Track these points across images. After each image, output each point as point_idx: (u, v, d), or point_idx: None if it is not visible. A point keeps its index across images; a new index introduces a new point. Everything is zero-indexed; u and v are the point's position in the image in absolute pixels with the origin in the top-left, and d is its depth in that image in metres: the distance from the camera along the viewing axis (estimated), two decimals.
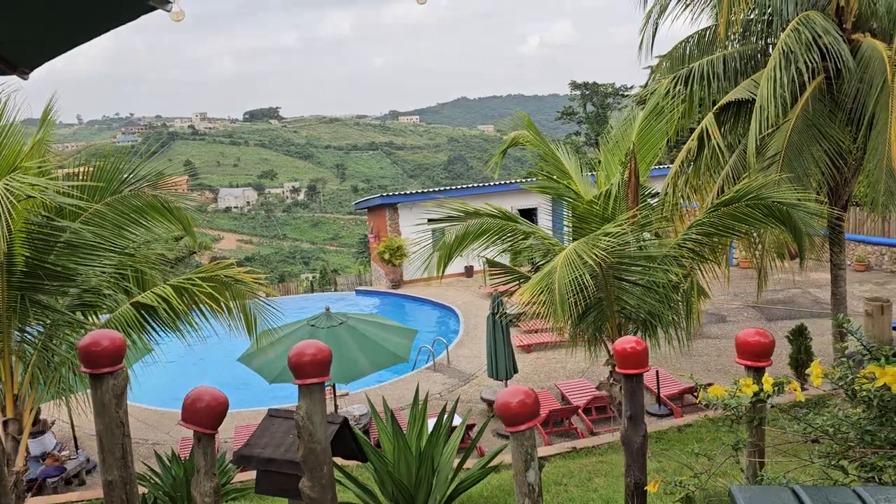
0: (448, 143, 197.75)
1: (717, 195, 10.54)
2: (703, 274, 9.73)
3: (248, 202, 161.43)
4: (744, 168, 10.84)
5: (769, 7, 11.27)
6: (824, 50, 10.08)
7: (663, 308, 8.99)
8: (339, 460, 5.53)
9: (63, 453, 11.09)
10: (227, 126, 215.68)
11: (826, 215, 9.83)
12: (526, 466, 3.70)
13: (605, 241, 8.08)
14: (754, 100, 10.34)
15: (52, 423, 11.61)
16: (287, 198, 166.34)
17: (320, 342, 4.05)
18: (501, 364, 12.23)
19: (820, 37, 10.00)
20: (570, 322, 9.29)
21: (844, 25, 10.74)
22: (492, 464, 6.76)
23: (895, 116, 9.35)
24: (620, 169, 9.50)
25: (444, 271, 9.95)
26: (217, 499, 4.25)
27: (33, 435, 10.72)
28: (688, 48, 12.88)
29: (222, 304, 7.42)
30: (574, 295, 7.90)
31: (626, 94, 44.06)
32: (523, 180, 23.10)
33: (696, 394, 12.11)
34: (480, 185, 28.34)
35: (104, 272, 7.25)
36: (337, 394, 12.78)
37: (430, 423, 6.99)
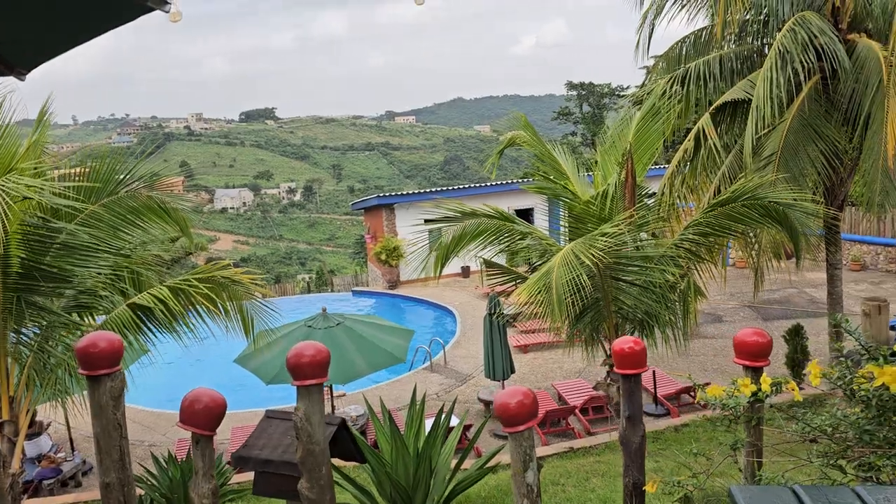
0: (444, 144, 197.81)
1: (714, 195, 10.56)
2: (699, 274, 9.75)
3: (244, 203, 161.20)
4: (740, 168, 10.86)
5: (765, 7, 11.30)
6: (820, 50, 10.10)
7: (660, 308, 9.01)
8: (336, 461, 5.52)
9: (59, 455, 11.05)
10: (223, 127, 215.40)
11: (822, 215, 9.86)
12: (525, 467, 3.69)
13: (602, 241, 8.09)
14: (750, 100, 10.37)
15: (48, 425, 11.56)
16: (283, 198, 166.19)
17: (319, 343, 4.05)
18: (498, 364, 12.22)
19: (816, 37, 10.03)
20: (567, 322, 9.29)
21: (840, 26, 10.77)
22: (489, 464, 6.76)
23: (891, 116, 9.38)
24: (617, 169, 9.51)
25: (441, 272, 9.95)
26: (215, 500, 4.24)
27: (29, 437, 10.67)
28: (684, 48, 12.90)
29: (219, 305, 7.41)
30: (571, 295, 7.91)
31: (622, 94, 44.13)
32: (520, 180, 23.12)
33: (692, 394, 12.15)
34: (477, 185, 28.36)
35: (100, 273, 7.22)
36: (334, 394, 12.77)
37: (428, 423, 6.98)
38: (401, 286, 26.02)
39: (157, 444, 12.11)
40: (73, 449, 11.55)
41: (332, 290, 31.18)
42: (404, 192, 28.51)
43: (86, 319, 7.51)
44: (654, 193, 10.97)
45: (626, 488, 4.64)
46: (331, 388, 12.29)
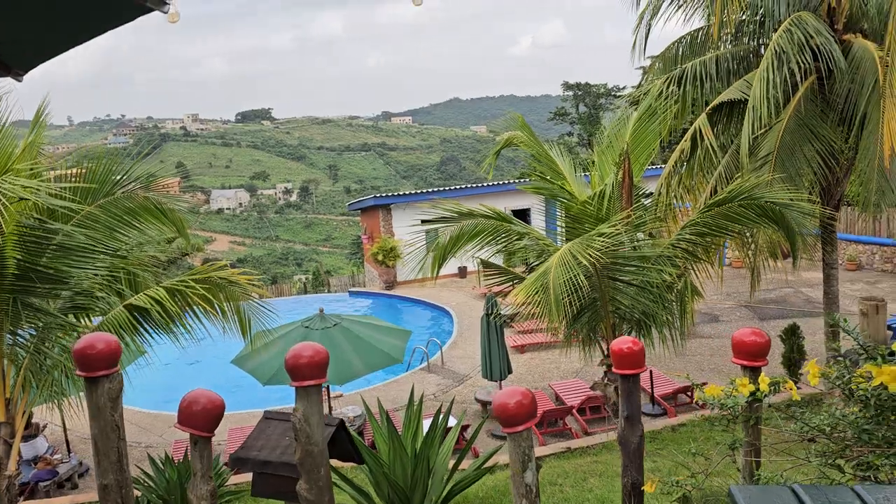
0: (441, 144, 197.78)
1: (710, 195, 10.58)
2: (696, 274, 9.77)
3: (240, 203, 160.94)
4: (736, 168, 10.88)
5: (761, 8, 11.32)
6: (816, 50, 10.13)
7: (657, 308, 9.02)
8: (333, 462, 5.51)
9: (55, 457, 11.03)
10: (219, 127, 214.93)
11: (818, 215, 9.88)
12: (523, 467, 3.69)
13: (599, 241, 8.10)
14: (747, 100, 10.39)
15: (45, 427, 11.54)
16: (279, 199, 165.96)
17: (317, 344, 4.04)
18: (496, 365, 12.22)
19: (812, 37, 10.05)
20: (564, 322, 9.30)
21: (836, 26, 10.81)
22: (487, 464, 6.76)
23: (887, 116, 9.41)
24: (614, 169, 9.53)
25: (438, 272, 9.95)
26: (214, 502, 4.23)
27: (25, 438, 10.65)
28: (680, 49, 12.92)
29: (216, 305, 7.40)
30: (568, 295, 7.91)
31: (618, 94, 44.19)
32: (517, 181, 23.12)
33: (689, 393, 12.17)
34: (474, 185, 28.34)
35: (97, 275, 7.20)
36: (331, 395, 12.76)
37: (425, 424, 6.98)
38: (398, 287, 26.01)
39: (153, 445, 12.08)
40: (69, 451, 11.52)
41: (329, 291, 31.16)
42: (401, 193, 28.50)
43: (82, 321, 7.50)
44: (651, 193, 10.98)
45: (624, 488, 4.64)
46: (328, 388, 12.28)
